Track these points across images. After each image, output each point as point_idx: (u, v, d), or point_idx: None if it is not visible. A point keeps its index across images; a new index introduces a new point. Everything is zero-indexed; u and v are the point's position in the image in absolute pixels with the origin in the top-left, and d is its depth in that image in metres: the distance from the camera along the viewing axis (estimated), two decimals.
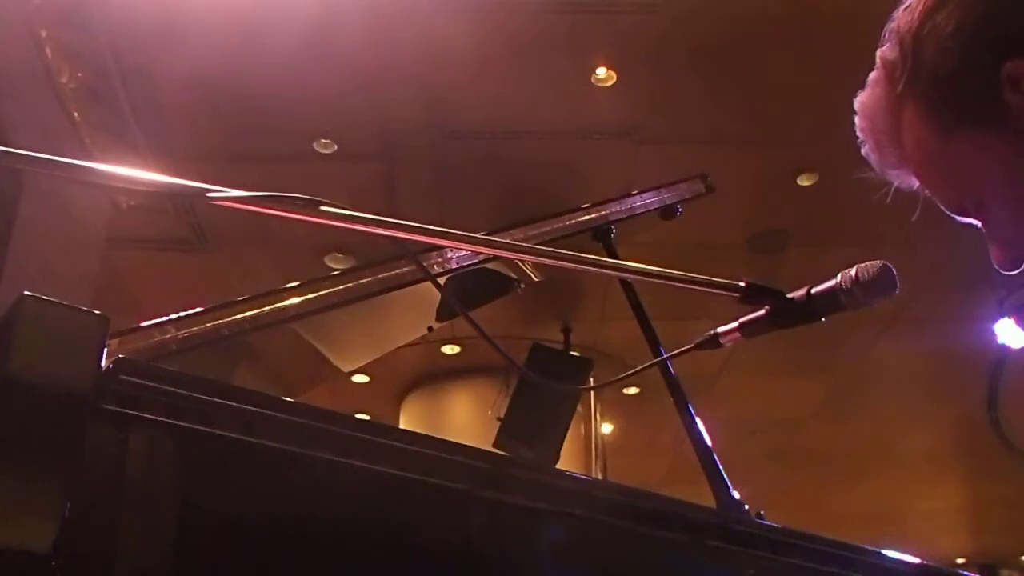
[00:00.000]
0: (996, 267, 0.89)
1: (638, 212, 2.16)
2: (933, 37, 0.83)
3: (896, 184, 0.95)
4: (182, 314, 1.57)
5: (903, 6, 0.88)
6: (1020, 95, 0.78)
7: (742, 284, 1.14)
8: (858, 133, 0.94)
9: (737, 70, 4.31)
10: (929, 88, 0.85)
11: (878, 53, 0.91)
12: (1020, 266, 0.88)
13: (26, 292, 0.73)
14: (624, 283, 1.99)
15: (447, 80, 4.36)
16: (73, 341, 0.75)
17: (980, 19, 0.81)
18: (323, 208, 1.02)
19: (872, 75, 0.92)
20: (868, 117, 0.92)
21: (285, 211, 1.02)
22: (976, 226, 0.90)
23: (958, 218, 0.91)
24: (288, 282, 1.74)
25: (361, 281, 1.78)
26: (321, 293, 1.75)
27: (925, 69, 0.84)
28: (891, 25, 0.89)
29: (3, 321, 0.74)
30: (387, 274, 1.78)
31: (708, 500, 1.53)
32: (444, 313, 2.18)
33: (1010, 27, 0.79)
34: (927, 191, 0.92)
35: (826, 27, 4.00)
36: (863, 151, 0.95)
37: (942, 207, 0.91)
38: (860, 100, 0.93)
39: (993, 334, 5.81)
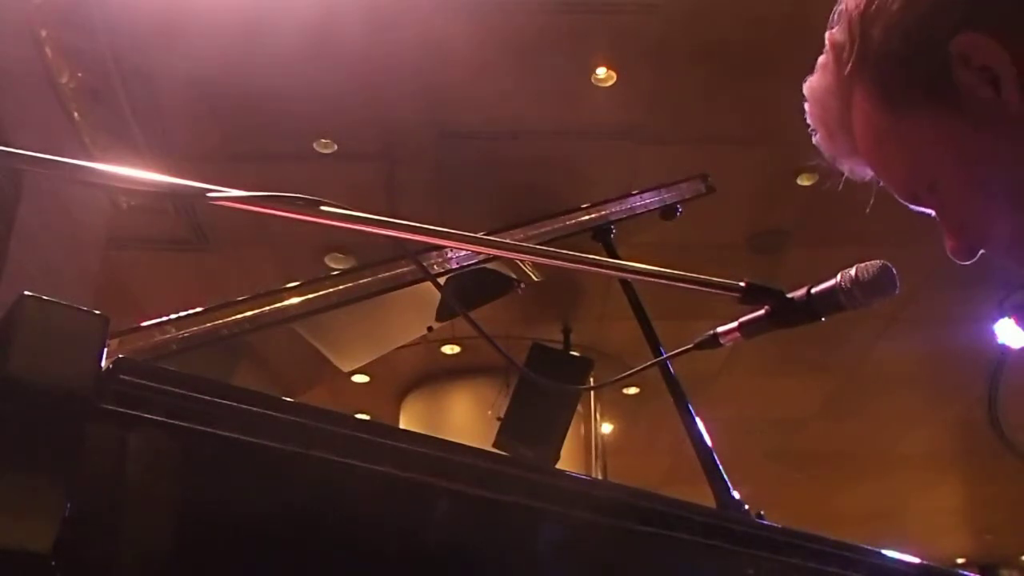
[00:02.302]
0: (951, 256, 0.85)
1: (638, 212, 2.16)
2: (881, 15, 0.80)
3: (848, 175, 0.92)
4: (182, 314, 1.57)
5: None
6: (970, 71, 0.75)
7: (742, 284, 1.14)
8: (808, 120, 0.91)
9: (737, 70, 4.31)
10: (878, 67, 0.81)
11: (827, 35, 0.88)
12: (975, 255, 0.84)
13: (26, 292, 0.73)
14: (624, 283, 1.99)
15: (447, 80, 4.36)
16: (73, 341, 0.74)
17: None
18: (323, 208, 1.02)
19: (820, 59, 0.89)
20: (818, 101, 0.89)
21: (285, 211, 1.02)
22: (931, 215, 0.86)
23: (912, 207, 0.87)
24: (288, 282, 1.75)
25: (361, 281, 1.78)
26: (321, 293, 1.75)
27: (873, 48, 0.81)
28: (839, 7, 0.86)
29: (3, 321, 0.74)
30: (387, 274, 1.78)
31: (708, 500, 1.53)
32: (444, 313, 2.18)
33: (959, 1, 0.76)
34: (880, 179, 0.88)
35: (826, 27, 3.99)
36: (814, 140, 0.92)
37: (895, 194, 0.87)
38: (809, 85, 0.90)
39: (993, 334, 5.81)
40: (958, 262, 0.85)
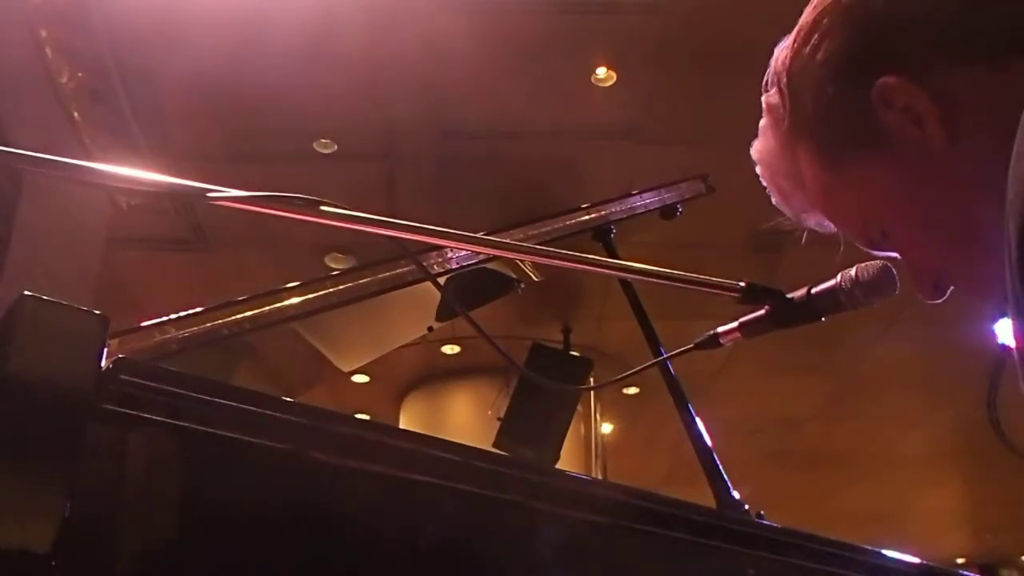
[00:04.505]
0: (921, 298, 0.84)
1: (638, 212, 2.16)
2: (806, 72, 0.81)
3: (816, 228, 0.92)
4: (182, 314, 1.57)
5: (779, 46, 0.86)
6: (894, 112, 0.75)
7: (742, 284, 1.14)
8: (763, 182, 0.92)
9: (737, 70, 4.30)
10: (811, 124, 0.82)
11: (763, 99, 0.88)
12: (943, 293, 0.83)
13: (26, 292, 0.73)
14: (624, 283, 1.99)
15: (447, 80, 4.36)
16: (73, 341, 0.75)
17: (846, 44, 0.79)
18: (323, 208, 1.02)
19: (761, 122, 0.90)
20: (766, 164, 0.90)
21: (285, 211, 1.02)
22: (897, 258, 0.87)
23: (875, 252, 0.88)
24: (288, 282, 1.75)
25: (361, 281, 1.78)
26: (321, 293, 1.75)
27: (804, 105, 0.82)
28: (770, 70, 0.87)
29: (3, 321, 0.74)
30: (387, 274, 1.79)
31: (708, 500, 1.53)
32: (444, 313, 2.18)
33: (875, 47, 0.77)
34: (839, 230, 0.89)
35: None
36: (773, 201, 0.92)
37: (857, 244, 0.88)
38: (755, 149, 0.91)
39: (993, 334, 5.80)
40: (929, 301, 0.85)
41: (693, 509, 1.16)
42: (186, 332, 1.55)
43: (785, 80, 0.84)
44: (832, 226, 0.90)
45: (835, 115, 0.80)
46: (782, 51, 0.85)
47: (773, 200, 0.92)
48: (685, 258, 5.14)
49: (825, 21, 0.80)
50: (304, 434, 0.84)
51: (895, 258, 0.87)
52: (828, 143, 0.82)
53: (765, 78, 0.87)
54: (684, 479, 2.49)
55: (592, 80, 4.41)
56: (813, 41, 0.81)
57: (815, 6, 0.82)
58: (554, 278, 3.07)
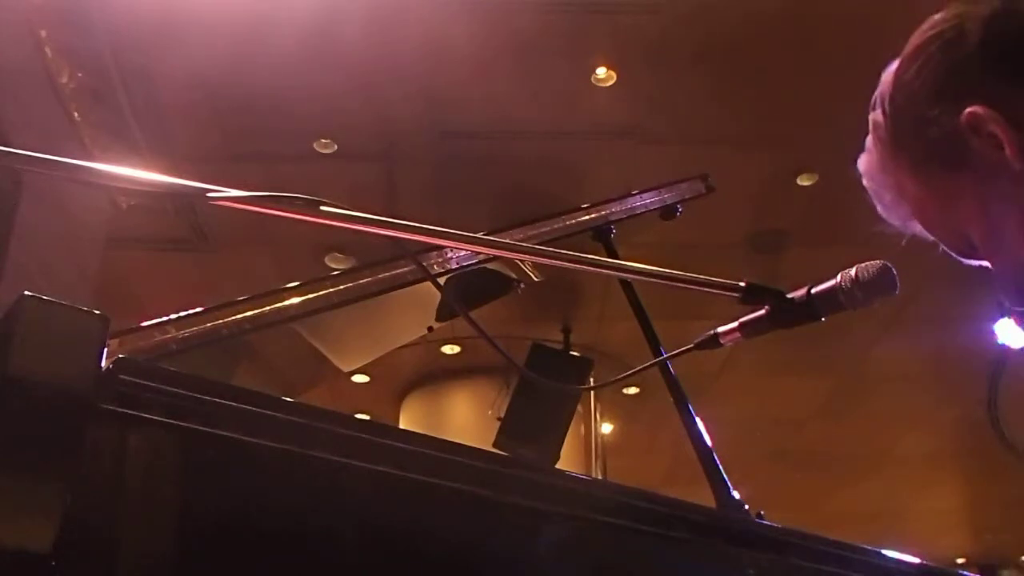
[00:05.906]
0: (1011, 304, 0.93)
1: (638, 212, 2.16)
2: (905, 95, 0.92)
3: (917, 235, 1.00)
4: (182, 314, 1.57)
5: (887, 69, 0.96)
6: (980, 139, 0.85)
7: (742, 284, 1.14)
8: (869, 192, 1.01)
9: (738, 70, 4.31)
10: (909, 142, 0.93)
11: (870, 117, 0.98)
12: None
13: (26, 292, 0.73)
14: (624, 283, 1.99)
15: (447, 80, 4.36)
16: (73, 341, 0.74)
17: (941, 72, 0.89)
18: (323, 208, 1.02)
19: (867, 139, 0.99)
20: (871, 177, 1.00)
21: (285, 211, 1.02)
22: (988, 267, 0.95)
23: (966, 262, 0.96)
24: (288, 282, 1.74)
25: (361, 281, 1.78)
26: (321, 293, 1.75)
27: (903, 125, 0.93)
28: (877, 90, 0.97)
29: (3, 321, 0.74)
30: (387, 274, 1.78)
31: (708, 500, 1.53)
32: (444, 313, 2.18)
33: (966, 78, 0.87)
34: (935, 238, 0.98)
35: (827, 27, 4.00)
36: (879, 210, 1.01)
37: (951, 252, 0.96)
38: (861, 162, 1.00)
39: (993, 334, 5.80)
40: (1017, 307, 0.94)
41: (693, 509, 1.16)
42: (186, 332, 1.55)
43: (888, 100, 0.95)
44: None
45: (929, 137, 0.90)
46: (888, 74, 0.96)
47: (878, 209, 1.01)
48: (685, 258, 5.15)
49: (926, 52, 0.91)
50: (304, 434, 0.84)
51: (987, 267, 0.95)
52: (923, 161, 0.92)
53: (872, 99, 0.98)
54: (684, 479, 2.49)
55: (592, 80, 4.41)
56: (913, 69, 0.92)
57: (921, 33, 0.92)
58: (554, 278, 3.07)
